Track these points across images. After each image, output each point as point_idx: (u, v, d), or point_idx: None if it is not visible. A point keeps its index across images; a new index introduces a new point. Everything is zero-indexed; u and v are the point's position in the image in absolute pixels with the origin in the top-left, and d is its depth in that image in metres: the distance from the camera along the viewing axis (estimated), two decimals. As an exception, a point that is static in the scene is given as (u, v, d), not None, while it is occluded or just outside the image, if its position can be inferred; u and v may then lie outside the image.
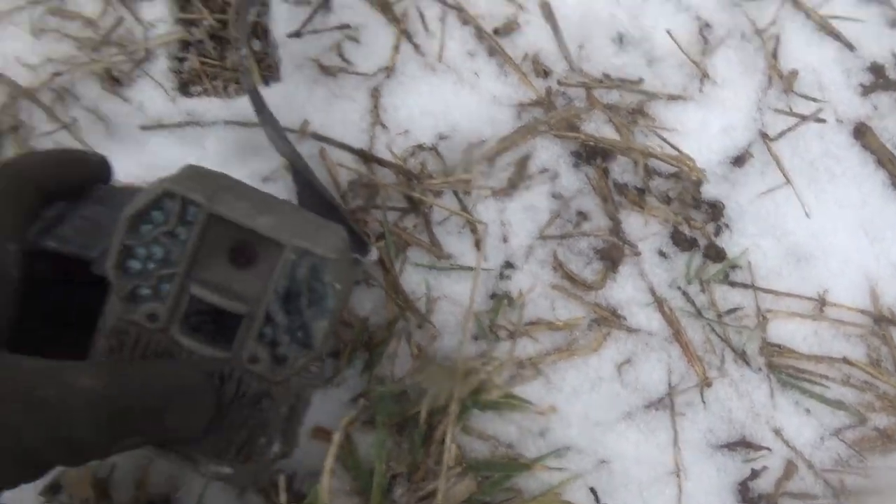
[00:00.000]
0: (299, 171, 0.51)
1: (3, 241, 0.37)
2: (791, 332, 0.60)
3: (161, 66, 0.59)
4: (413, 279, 0.56)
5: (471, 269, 0.56)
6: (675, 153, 0.60)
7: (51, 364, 0.33)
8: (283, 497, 0.45)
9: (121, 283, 0.38)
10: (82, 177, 0.41)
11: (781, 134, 0.63)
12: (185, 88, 0.59)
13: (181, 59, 0.60)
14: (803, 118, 0.63)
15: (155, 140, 0.58)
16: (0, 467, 0.32)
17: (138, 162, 0.57)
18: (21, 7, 0.58)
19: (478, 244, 0.57)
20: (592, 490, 0.55)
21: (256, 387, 0.40)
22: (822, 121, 0.63)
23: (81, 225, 0.41)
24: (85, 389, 0.32)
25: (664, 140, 0.61)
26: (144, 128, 0.57)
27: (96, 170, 0.42)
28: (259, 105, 0.51)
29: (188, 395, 0.38)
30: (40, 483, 0.50)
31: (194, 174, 0.39)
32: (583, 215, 0.59)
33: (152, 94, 0.58)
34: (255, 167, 0.58)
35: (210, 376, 0.39)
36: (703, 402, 0.57)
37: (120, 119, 0.57)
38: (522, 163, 0.59)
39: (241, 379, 0.40)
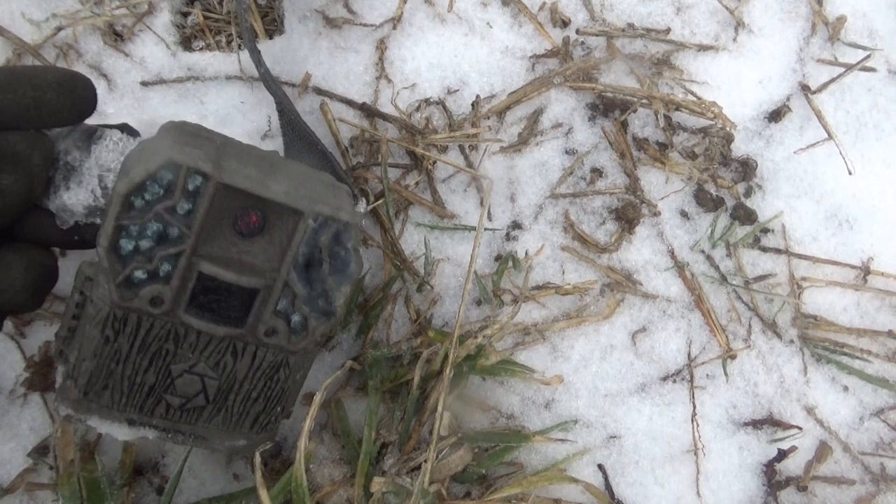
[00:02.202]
0: (291, 120, 0.49)
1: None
2: (829, 302, 0.56)
3: (164, 19, 0.57)
4: (414, 239, 0.54)
5: (473, 228, 0.53)
6: (696, 100, 0.55)
7: None
8: (258, 477, 0.43)
9: (115, 267, 0.35)
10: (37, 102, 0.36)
11: (824, 86, 0.58)
12: (187, 43, 0.58)
13: (185, 14, 0.58)
14: (850, 67, 0.57)
15: (154, 96, 0.56)
16: None
17: (138, 119, 0.56)
18: (24, -39, 0.57)
19: (482, 200, 0.54)
20: (601, 467, 0.52)
21: (272, 358, 0.39)
22: (872, 69, 0.58)
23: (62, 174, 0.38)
24: None
25: (691, 93, 0.56)
26: (145, 84, 0.56)
27: (56, 97, 0.36)
28: (254, 52, 0.49)
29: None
30: (29, 444, 0.50)
31: (184, 135, 0.36)
32: (598, 172, 0.55)
33: (154, 50, 0.57)
34: (255, 123, 0.56)
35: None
36: (726, 375, 0.53)
37: (121, 75, 0.56)
38: (534, 117, 0.56)
39: (255, 352, 0.38)
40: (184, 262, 0.35)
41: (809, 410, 0.54)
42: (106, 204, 0.37)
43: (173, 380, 0.39)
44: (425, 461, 0.46)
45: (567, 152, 0.56)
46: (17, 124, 0.35)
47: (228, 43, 0.58)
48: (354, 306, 0.51)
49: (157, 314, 0.36)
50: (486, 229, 0.54)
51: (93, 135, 0.38)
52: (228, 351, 0.38)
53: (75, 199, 0.38)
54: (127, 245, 0.34)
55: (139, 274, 0.35)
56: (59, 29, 0.56)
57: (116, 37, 0.57)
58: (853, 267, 0.56)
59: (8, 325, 0.52)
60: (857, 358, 0.54)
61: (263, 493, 0.43)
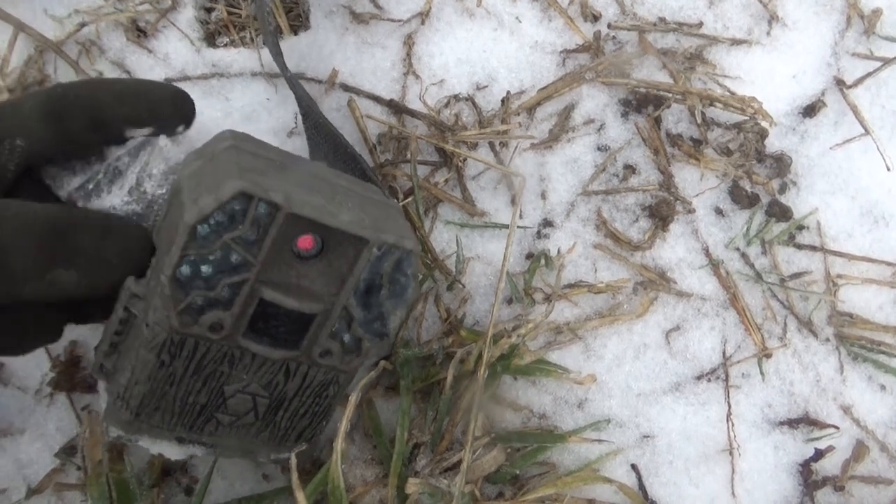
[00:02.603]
0: (317, 122, 0.48)
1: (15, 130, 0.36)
2: (866, 299, 0.55)
3: (188, 15, 0.57)
4: (444, 237, 0.53)
5: (505, 226, 0.52)
6: (734, 95, 0.55)
7: None
8: (294, 478, 0.43)
9: (177, 295, 0.34)
10: (153, 115, 0.38)
11: (860, 80, 0.57)
12: (211, 39, 0.57)
13: (209, 10, 0.58)
14: (887, 61, 0.56)
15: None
16: None
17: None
18: (48, -43, 0.57)
19: (514, 199, 0.53)
20: (634, 467, 0.51)
21: (322, 377, 0.39)
22: (909, 64, 0.57)
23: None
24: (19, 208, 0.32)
25: (725, 88, 0.55)
26: (169, 80, 0.56)
27: (172, 109, 0.38)
28: (274, 49, 0.49)
29: (122, 230, 0.36)
30: (56, 444, 0.50)
31: (246, 156, 0.35)
32: (631, 169, 0.55)
33: (178, 46, 0.56)
34: (280, 120, 0.55)
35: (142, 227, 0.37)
36: (762, 374, 0.53)
37: (144, 72, 0.56)
38: (565, 113, 0.55)
39: (307, 373, 0.39)
40: (247, 290, 0.35)
41: (846, 409, 0.53)
42: (156, 221, 0.37)
43: (226, 400, 0.39)
44: (461, 462, 0.46)
45: (599, 149, 0.55)
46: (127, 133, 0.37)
47: (253, 39, 0.58)
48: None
49: (216, 339, 0.36)
50: (517, 227, 0.53)
51: (142, 141, 0.38)
52: (281, 371, 0.39)
53: (115, 201, 0.38)
54: (188, 272, 0.34)
55: (199, 301, 0.35)
56: (83, 25, 0.55)
57: (140, 33, 0.57)
58: (889, 264, 0.55)
59: (34, 324, 0.52)
60: (894, 356, 0.53)
61: (300, 495, 0.43)
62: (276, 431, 0.41)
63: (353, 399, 0.46)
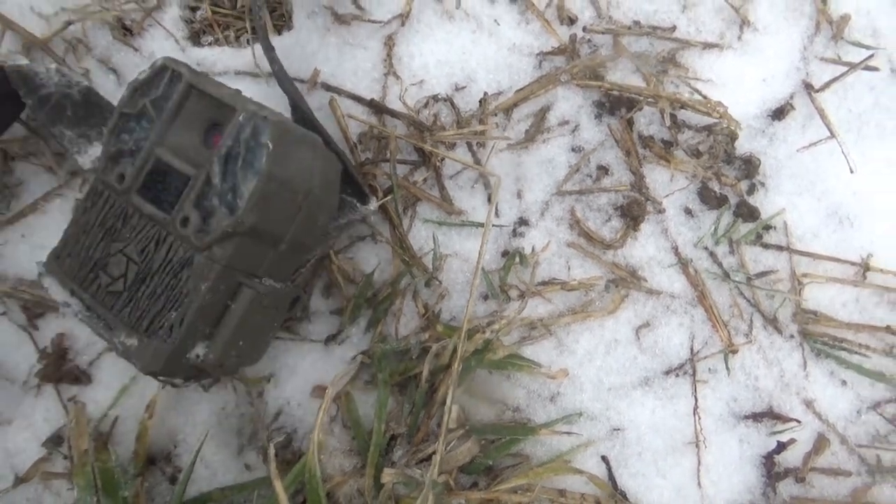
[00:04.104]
0: (304, 117, 0.49)
1: None
2: (829, 297, 0.57)
3: (173, 14, 0.58)
4: (422, 235, 0.54)
5: (482, 225, 0.54)
6: (702, 100, 0.56)
7: None
8: (272, 468, 0.44)
9: (109, 146, 0.42)
10: None
11: (827, 84, 0.58)
12: (196, 38, 0.58)
13: (193, 9, 0.59)
14: (853, 66, 0.57)
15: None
16: None
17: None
18: (34, -45, 0.57)
19: (490, 197, 0.55)
20: (604, 458, 0.53)
21: (182, 254, 0.41)
22: (875, 69, 0.58)
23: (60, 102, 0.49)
24: None
25: (696, 91, 0.57)
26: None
27: None
28: (268, 49, 0.50)
29: None
30: (42, 434, 0.51)
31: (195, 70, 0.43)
32: (604, 170, 0.56)
33: (163, 44, 0.57)
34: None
35: None
36: (728, 370, 0.54)
37: (130, 69, 0.56)
38: (541, 114, 0.56)
39: (171, 244, 0.41)
40: (148, 146, 0.42)
41: (808, 404, 0.55)
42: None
43: (109, 257, 0.43)
44: (434, 453, 0.47)
45: (573, 150, 0.56)
46: None
47: (237, 38, 0.59)
48: (365, 301, 0.52)
49: (119, 191, 0.42)
50: (493, 226, 0.54)
51: None
52: (154, 239, 0.42)
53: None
54: (118, 127, 0.43)
55: (114, 150, 0.43)
56: (69, 23, 0.56)
57: (126, 31, 0.57)
58: (853, 263, 0.57)
59: (21, 316, 0.53)
60: (856, 353, 0.55)
61: (278, 484, 0.44)
62: (135, 310, 0.42)
63: (330, 391, 0.48)
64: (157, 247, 0.41)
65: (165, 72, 0.42)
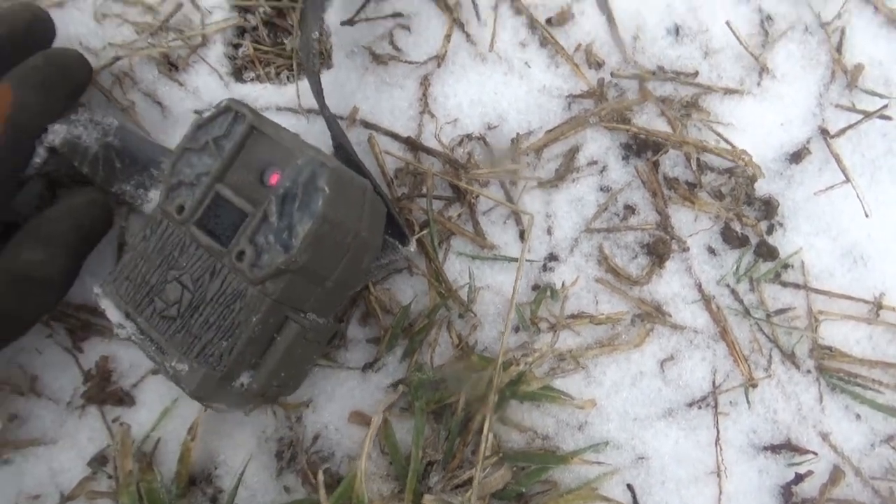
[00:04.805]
0: (350, 159, 0.51)
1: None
2: (844, 334, 0.59)
3: (217, 51, 0.60)
4: (455, 268, 0.57)
5: (514, 259, 0.56)
6: (728, 147, 0.59)
7: None
8: (322, 493, 0.46)
9: (170, 178, 0.45)
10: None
11: (842, 131, 0.61)
12: (238, 74, 0.60)
13: (236, 46, 0.61)
14: (867, 114, 0.60)
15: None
16: None
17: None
18: (86, -8, 0.60)
19: (523, 235, 0.57)
20: (629, 486, 0.55)
21: (235, 287, 0.43)
22: (888, 118, 0.61)
23: (105, 155, 0.51)
24: None
25: (718, 135, 0.59)
26: (198, 112, 0.58)
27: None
28: (317, 90, 0.52)
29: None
30: (87, 454, 0.53)
31: (258, 112, 0.46)
32: (630, 209, 0.58)
33: (207, 80, 0.59)
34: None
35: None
36: (748, 403, 0.56)
37: (175, 103, 0.58)
38: (571, 154, 0.59)
39: (226, 276, 0.43)
40: (208, 181, 0.44)
41: (824, 437, 0.57)
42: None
43: (165, 284, 0.45)
44: (471, 479, 0.50)
45: (602, 189, 0.59)
46: None
47: (277, 74, 0.61)
48: (401, 331, 0.54)
49: (178, 221, 0.44)
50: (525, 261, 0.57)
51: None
52: (209, 270, 0.44)
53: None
54: (181, 161, 0.45)
55: (175, 181, 0.45)
56: (117, 59, 0.58)
57: (171, 66, 0.60)
58: (866, 302, 0.59)
59: (66, 339, 0.55)
60: (869, 388, 0.57)
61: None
62: (187, 337, 0.44)
63: (375, 421, 0.50)
64: (211, 277, 0.44)
65: (229, 112, 0.45)
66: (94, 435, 0.54)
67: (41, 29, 0.55)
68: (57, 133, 0.50)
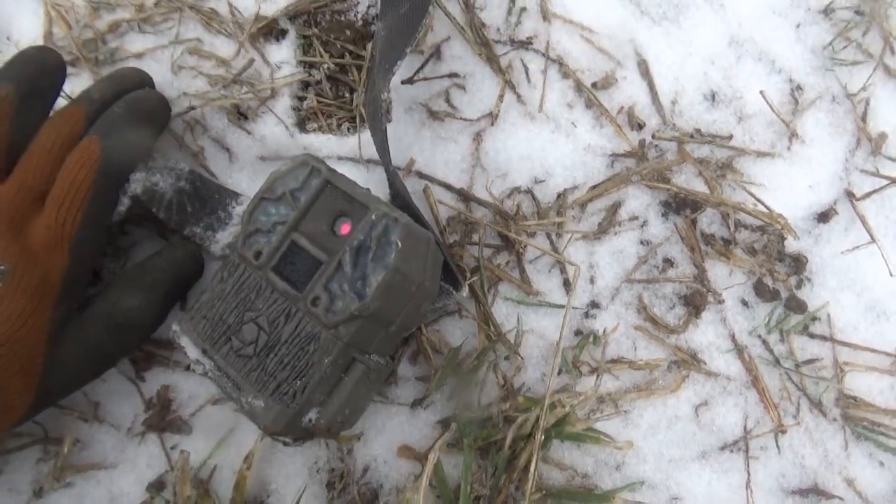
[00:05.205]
0: (409, 209, 0.55)
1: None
2: (868, 385, 0.62)
3: (283, 103, 0.64)
4: (502, 312, 0.60)
5: (558, 306, 0.59)
6: (766, 210, 0.62)
7: None
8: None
9: (248, 226, 0.48)
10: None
11: (867, 195, 0.64)
12: (302, 125, 0.64)
13: (301, 98, 0.65)
14: (892, 181, 0.64)
15: (271, 170, 0.62)
16: None
17: (256, 188, 0.62)
18: (164, 46, 0.64)
19: (566, 284, 0.61)
20: (665, 525, 0.57)
21: (309, 329, 0.46)
22: (909, 184, 0.65)
23: (178, 200, 0.55)
24: None
25: (751, 194, 0.63)
26: (263, 158, 0.62)
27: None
28: (383, 147, 0.56)
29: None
30: (146, 479, 0.56)
31: (331, 168, 0.50)
32: (669, 262, 0.62)
33: (273, 129, 0.63)
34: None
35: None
36: (777, 448, 0.59)
37: (242, 150, 0.62)
38: (613, 209, 0.62)
39: (301, 319, 0.46)
40: (284, 230, 0.47)
41: (849, 482, 0.59)
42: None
43: (242, 324, 0.47)
44: (517, 514, 0.52)
45: (642, 243, 0.62)
46: None
47: (339, 126, 0.65)
48: (451, 370, 0.57)
49: (255, 266, 0.48)
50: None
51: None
52: (284, 312, 0.47)
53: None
54: (258, 210, 0.49)
55: (253, 229, 0.48)
56: (191, 108, 0.62)
57: (241, 116, 0.63)
58: (888, 354, 0.62)
59: (129, 369, 0.58)
60: (892, 437, 0.60)
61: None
62: (262, 374, 0.47)
63: (432, 459, 0.53)
64: (286, 320, 0.47)
65: (305, 167, 0.49)
66: (152, 461, 0.56)
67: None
68: (138, 182, 0.54)
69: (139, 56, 0.63)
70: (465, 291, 0.57)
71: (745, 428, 0.59)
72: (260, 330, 0.47)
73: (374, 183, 0.61)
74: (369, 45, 0.66)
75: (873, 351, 0.62)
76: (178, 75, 0.63)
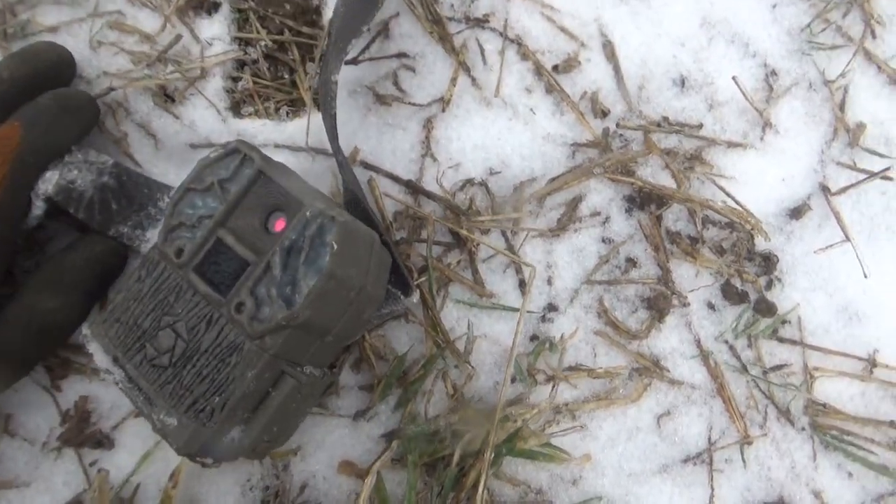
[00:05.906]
0: (358, 204, 0.50)
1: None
2: (838, 391, 0.59)
3: (215, 85, 0.59)
4: (453, 316, 0.56)
5: (513, 309, 0.55)
6: (737, 208, 0.59)
7: None
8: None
9: (170, 219, 0.43)
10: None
11: (843, 189, 0.61)
12: (236, 109, 0.59)
13: (235, 79, 0.60)
14: (870, 175, 0.61)
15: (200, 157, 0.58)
16: None
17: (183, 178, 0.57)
18: (82, 19, 0.58)
19: (522, 285, 0.57)
20: (623, 543, 0.54)
21: (232, 339, 0.41)
22: (889, 178, 0.61)
23: (101, 197, 0.50)
24: None
25: (721, 189, 0.59)
26: (193, 146, 0.57)
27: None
28: (333, 134, 0.51)
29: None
30: (62, 498, 0.52)
31: (266, 156, 0.45)
32: (632, 262, 0.58)
33: (204, 114, 0.58)
34: (302, 192, 0.57)
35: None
36: (743, 460, 0.56)
37: (169, 136, 0.57)
38: (573, 204, 0.58)
39: (223, 327, 0.42)
40: (209, 225, 0.43)
41: (817, 494, 0.57)
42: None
43: (158, 330, 0.43)
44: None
45: (603, 241, 0.58)
46: None
47: (277, 110, 0.60)
48: (395, 379, 0.53)
49: (175, 265, 0.43)
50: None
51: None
52: (205, 319, 0.42)
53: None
54: (183, 201, 0.44)
55: (175, 222, 0.43)
56: (112, 89, 0.57)
57: (167, 99, 0.58)
58: (860, 359, 0.59)
59: (44, 377, 0.53)
60: (861, 448, 0.57)
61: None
62: (178, 388, 0.42)
63: (370, 481, 0.49)
64: (207, 327, 0.42)
65: (237, 154, 0.44)
66: (69, 479, 0.52)
67: (65, 73, 0.55)
68: (49, 181, 0.49)
69: (53, 30, 0.58)
70: (416, 297, 0.52)
71: (709, 439, 0.56)
72: (178, 337, 0.43)
73: (316, 173, 0.57)
74: (312, 21, 0.60)
75: (845, 355, 0.59)
76: (97, 52, 0.58)
